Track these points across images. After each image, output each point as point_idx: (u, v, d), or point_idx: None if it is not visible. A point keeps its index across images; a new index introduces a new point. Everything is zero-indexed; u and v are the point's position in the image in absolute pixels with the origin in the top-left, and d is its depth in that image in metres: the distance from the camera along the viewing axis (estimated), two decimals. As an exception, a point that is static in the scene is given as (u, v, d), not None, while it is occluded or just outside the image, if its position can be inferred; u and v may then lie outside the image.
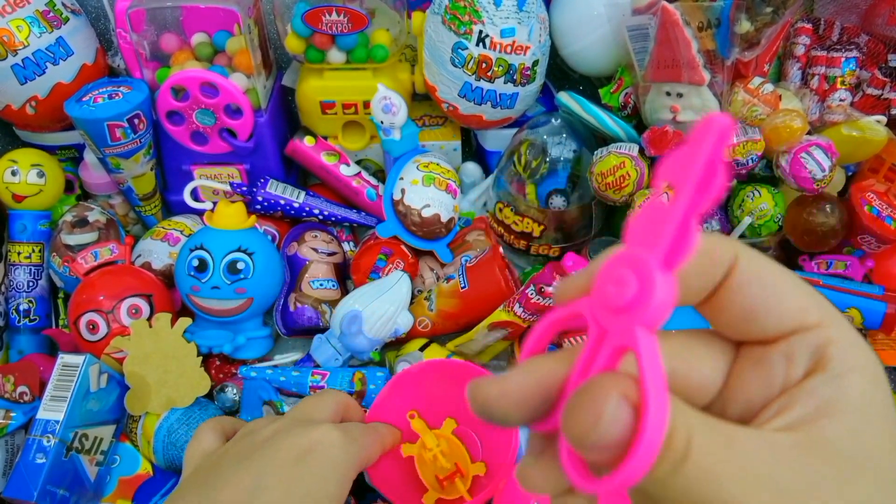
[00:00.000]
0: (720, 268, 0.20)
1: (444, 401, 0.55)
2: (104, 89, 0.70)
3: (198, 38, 0.69)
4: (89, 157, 0.75)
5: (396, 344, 0.71)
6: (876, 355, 0.21)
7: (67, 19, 0.71)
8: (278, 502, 0.40)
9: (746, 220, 0.66)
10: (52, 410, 0.62)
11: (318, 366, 0.67)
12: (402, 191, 0.72)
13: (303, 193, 0.76)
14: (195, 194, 0.76)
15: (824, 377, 0.19)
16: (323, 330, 0.70)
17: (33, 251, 0.74)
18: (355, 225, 0.78)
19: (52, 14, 0.69)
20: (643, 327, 0.16)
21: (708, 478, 0.17)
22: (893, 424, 0.20)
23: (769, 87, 0.65)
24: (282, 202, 0.75)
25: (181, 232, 0.74)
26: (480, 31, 0.67)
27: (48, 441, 0.60)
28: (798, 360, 0.20)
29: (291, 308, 0.70)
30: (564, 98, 0.71)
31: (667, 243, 0.16)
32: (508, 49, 0.67)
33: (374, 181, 0.77)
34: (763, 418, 0.20)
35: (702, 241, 0.18)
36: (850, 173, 0.72)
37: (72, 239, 0.71)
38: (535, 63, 0.70)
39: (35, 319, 0.74)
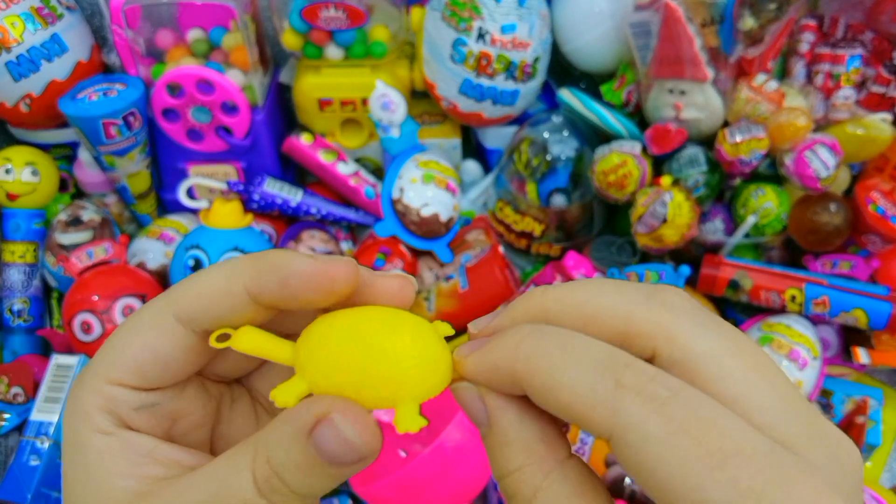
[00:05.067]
0: (589, 431, 0.17)
1: None
2: (99, 86, 0.69)
3: (193, 34, 0.69)
4: (84, 155, 0.74)
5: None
6: None
7: (62, 16, 0.70)
8: None
9: (750, 220, 0.65)
10: (46, 412, 0.61)
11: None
12: (401, 189, 0.71)
13: (300, 192, 0.75)
14: (191, 193, 0.75)
15: None
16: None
17: (27, 251, 0.73)
18: (353, 224, 0.77)
19: (46, 10, 0.68)
20: None
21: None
22: None
23: (773, 84, 0.64)
24: (279, 201, 0.74)
25: (176, 231, 0.74)
26: (480, 28, 0.66)
27: (42, 443, 0.59)
28: None
29: (289, 308, 0.70)
30: (566, 95, 0.70)
31: None
32: (509, 45, 0.67)
33: (372, 179, 0.76)
34: None
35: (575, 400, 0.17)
36: (854, 172, 0.71)
37: (66, 238, 0.71)
38: (537, 60, 0.69)
39: (29, 320, 0.73)
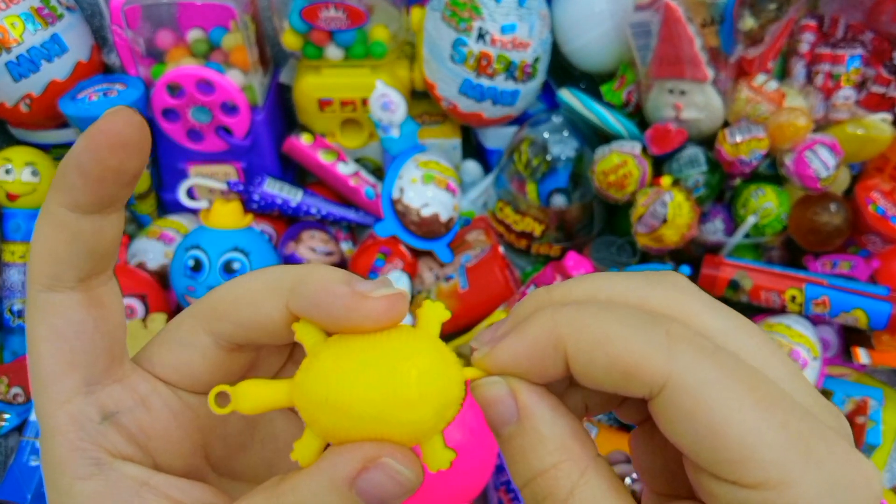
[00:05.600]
0: (636, 386, 0.16)
1: None
2: (99, 87, 0.69)
3: (194, 34, 0.69)
4: (84, 155, 0.74)
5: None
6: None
7: (62, 16, 0.70)
8: None
9: (751, 220, 0.65)
10: (45, 412, 0.61)
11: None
12: (401, 189, 0.71)
13: (300, 192, 0.75)
14: (191, 193, 0.75)
15: None
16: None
17: (27, 251, 0.73)
18: (353, 224, 0.77)
19: (46, 10, 0.68)
20: None
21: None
22: None
23: (773, 84, 0.64)
24: (279, 201, 0.74)
25: (176, 231, 0.74)
26: (480, 28, 0.66)
27: (42, 443, 0.59)
28: None
29: (289, 308, 0.70)
30: (566, 95, 0.70)
31: None
32: (509, 45, 0.67)
33: (372, 179, 0.76)
34: None
35: (625, 349, 0.16)
36: (854, 172, 0.71)
37: (66, 238, 0.71)
38: (537, 60, 0.69)
39: (29, 320, 0.73)
